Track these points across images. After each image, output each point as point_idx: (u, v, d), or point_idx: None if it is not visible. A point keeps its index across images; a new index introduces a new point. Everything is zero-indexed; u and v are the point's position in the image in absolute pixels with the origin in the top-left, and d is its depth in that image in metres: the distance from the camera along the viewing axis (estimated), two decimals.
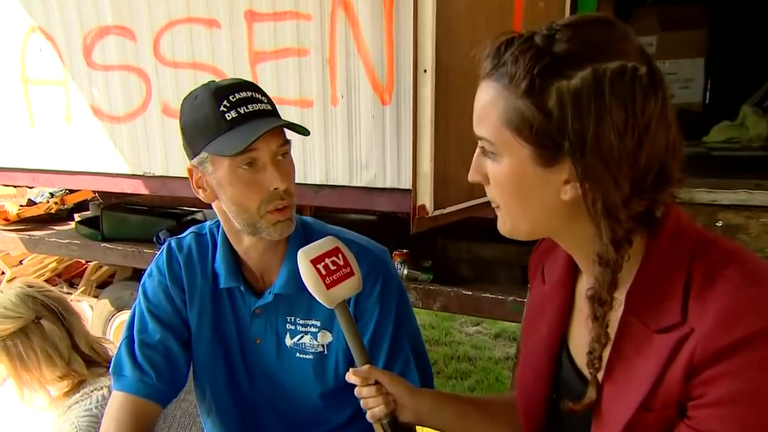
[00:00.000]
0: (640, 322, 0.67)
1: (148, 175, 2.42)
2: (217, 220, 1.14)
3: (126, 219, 2.99)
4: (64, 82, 2.50)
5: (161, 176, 2.39)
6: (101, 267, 3.71)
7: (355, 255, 1.10)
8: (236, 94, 0.98)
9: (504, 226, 0.73)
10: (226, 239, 1.12)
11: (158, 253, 1.17)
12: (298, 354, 1.13)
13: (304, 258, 0.89)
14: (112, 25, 2.30)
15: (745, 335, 0.58)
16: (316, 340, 1.12)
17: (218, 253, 1.12)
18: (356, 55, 1.94)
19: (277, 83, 2.07)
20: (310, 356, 1.13)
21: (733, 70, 3.10)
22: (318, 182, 2.08)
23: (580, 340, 0.77)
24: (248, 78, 2.06)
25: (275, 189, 0.98)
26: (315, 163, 2.08)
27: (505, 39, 0.65)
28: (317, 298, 0.88)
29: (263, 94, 1.02)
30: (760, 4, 3.00)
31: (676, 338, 0.62)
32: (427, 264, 2.25)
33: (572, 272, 0.80)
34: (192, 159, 1.03)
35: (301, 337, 1.12)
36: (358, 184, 2.03)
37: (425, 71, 1.53)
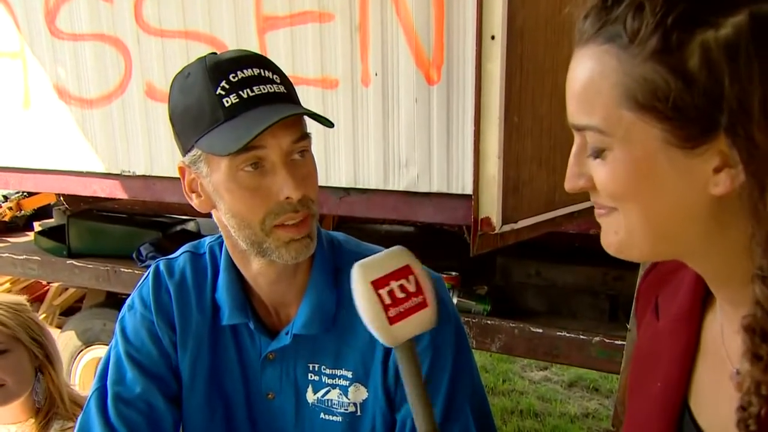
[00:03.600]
0: None
1: (127, 174, 2.46)
2: (219, 236, 1.13)
3: (99, 230, 3.06)
4: (20, 54, 2.55)
5: (144, 176, 2.43)
6: (66, 289, 3.78)
7: None
8: (239, 72, 0.96)
9: (613, 239, 0.69)
10: (230, 261, 1.11)
11: (142, 278, 1.17)
12: (322, 414, 1.11)
13: (362, 277, 0.83)
14: None
15: None
16: (346, 396, 1.10)
17: (221, 280, 1.11)
18: (395, 20, 1.93)
19: (292, 57, 2.09)
20: (338, 417, 1.11)
21: None
22: (343, 185, 2.08)
23: (708, 397, 0.74)
24: (255, 50, 2.10)
25: (287, 198, 0.96)
26: (340, 160, 2.08)
27: None
28: (375, 333, 0.83)
29: (276, 70, 1.00)
30: None
31: None
32: (482, 291, 2.24)
33: (700, 304, 0.77)
34: (183, 156, 1.02)
35: (328, 391, 1.11)
36: (395, 188, 2.03)
37: (493, 38, 1.51)
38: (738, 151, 0.58)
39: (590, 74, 0.63)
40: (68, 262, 2.93)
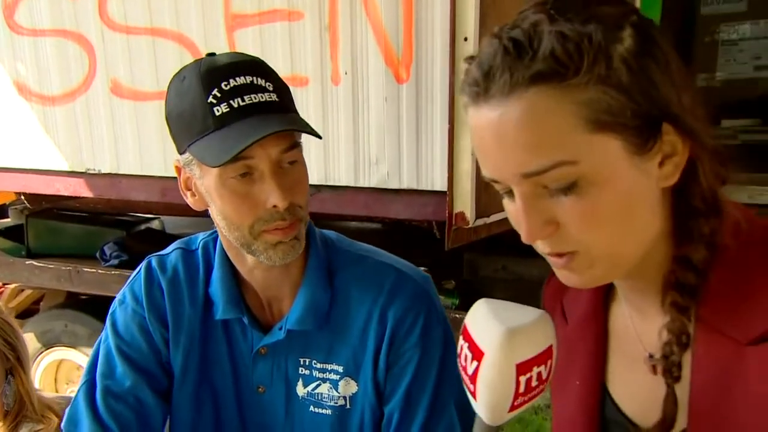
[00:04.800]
0: (722, 335, 0.69)
1: (92, 172, 2.46)
2: (212, 232, 1.17)
3: (59, 229, 3.04)
4: None
5: (110, 174, 2.43)
6: (22, 290, 3.75)
7: (393, 283, 1.12)
8: (231, 80, 0.97)
9: (591, 274, 0.71)
10: (225, 257, 1.14)
11: (133, 274, 1.19)
12: (312, 407, 1.14)
13: (508, 351, 0.72)
14: None
15: None
16: (336, 390, 1.13)
17: (215, 274, 1.14)
18: (364, 19, 1.98)
19: (261, 55, 2.04)
20: (328, 411, 1.14)
21: None
22: (314, 182, 2.12)
23: (626, 384, 0.80)
24: (224, 49, 2.13)
25: (274, 207, 0.99)
26: (310, 158, 2.04)
27: (509, 36, 0.66)
28: (481, 409, 0.75)
29: (270, 77, 1.02)
30: None
31: None
32: (450, 285, 2.28)
33: (603, 300, 0.83)
34: (179, 155, 1.05)
35: (318, 385, 1.14)
36: (366, 185, 2.08)
37: (465, 39, 1.57)
38: (679, 136, 0.66)
39: (534, 117, 0.64)
40: (27, 262, 2.90)
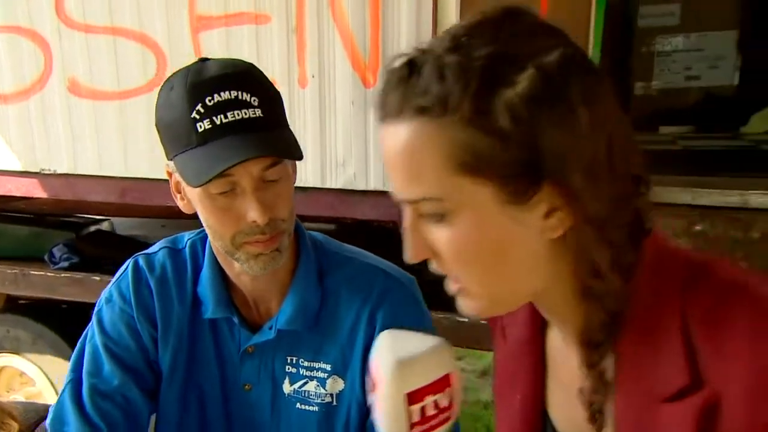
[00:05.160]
0: (639, 389, 0.68)
1: (48, 172, 2.41)
2: (200, 231, 1.19)
3: (2, 231, 2.95)
4: None
5: (66, 174, 2.39)
6: None
7: (382, 286, 1.16)
8: (215, 96, 0.98)
9: (475, 306, 0.72)
10: (214, 258, 1.16)
11: (119, 273, 1.21)
12: (298, 404, 1.18)
13: (398, 380, 0.75)
14: None
15: None
16: (323, 387, 1.17)
17: (204, 274, 1.17)
18: (331, 24, 2.02)
19: (229, 56, 2.12)
20: (315, 408, 1.17)
21: None
22: None
23: (563, 408, 0.81)
24: (189, 49, 2.13)
25: (254, 222, 1.01)
26: None
27: (407, 59, 0.66)
28: None
29: (258, 89, 1.01)
30: None
31: (696, 407, 0.64)
32: None
33: (540, 325, 0.84)
34: (168, 160, 1.08)
35: (305, 383, 1.17)
36: (333, 186, 2.10)
37: None
38: (561, 194, 0.63)
39: (411, 148, 0.64)
40: None
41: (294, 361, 1.17)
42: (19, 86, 2.38)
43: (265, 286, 1.15)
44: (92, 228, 3.10)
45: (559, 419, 0.82)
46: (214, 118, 0.98)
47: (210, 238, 1.11)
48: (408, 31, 1.91)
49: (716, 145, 2.90)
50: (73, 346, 3.13)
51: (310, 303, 1.15)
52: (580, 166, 0.62)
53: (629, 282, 0.69)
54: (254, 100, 1.00)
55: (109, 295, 1.20)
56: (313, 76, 2.07)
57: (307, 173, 2.13)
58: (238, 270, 1.12)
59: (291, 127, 2.13)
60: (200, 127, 0.98)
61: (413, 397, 0.74)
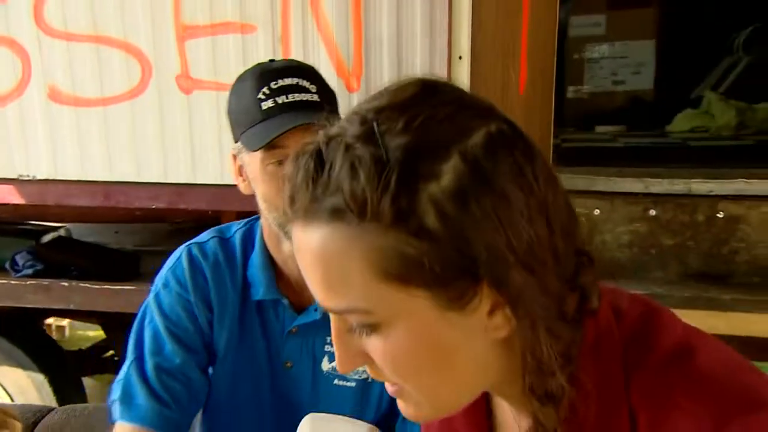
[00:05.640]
0: None
1: (26, 178, 2.43)
2: (246, 222, 1.32)
3: None
4: None
5: (46, 180, 2.42)
6: None
7: None
8: (279, 80, 1.15)
9: (416, 414, 0.66)
10: (263, 244, 1.28)
11: (171, 261, 1.31)
12: (336, 381, 1.27)
13: None
14: None
15: None
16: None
17: (254, 259, 1.28)
18: (315, 33, 2.16)
19: (213, 66, 2.24)
20: (352, 384, 1.27)
21: (683, 52, 3.81)
22: None
23: None
24: (175, 57, 2.23)
25: None
26: None
27: (313, 150, 0.57)
28: None
29: (316, 80, 1.19)
30: None
31: None
32: None
33: (485, 405, 0.78)
34: (234, 143, 1.23)
35: None
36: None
37: (460, 58, 1.79)
38: (501, 294, 0.56)
39: (328, 256, 0.56)
40: None
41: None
42: None
43: None
44: (51, 235, 3.10)
45: None
46: (276, 98, 1.14)
47: (266, 213, 1.22)
48: (389, 40, 2.09)
49: (650, 142, 3.26)
50: (29, 355, 3.11)
51: None
52: (519, 258, 0.55)
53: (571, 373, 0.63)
54: (312, 88, 1.18)
55: (165, 281, 1.29)
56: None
57: None
58: (287, 253, 1.25)
59: None
60: (264, 105, 1.14)
61: None
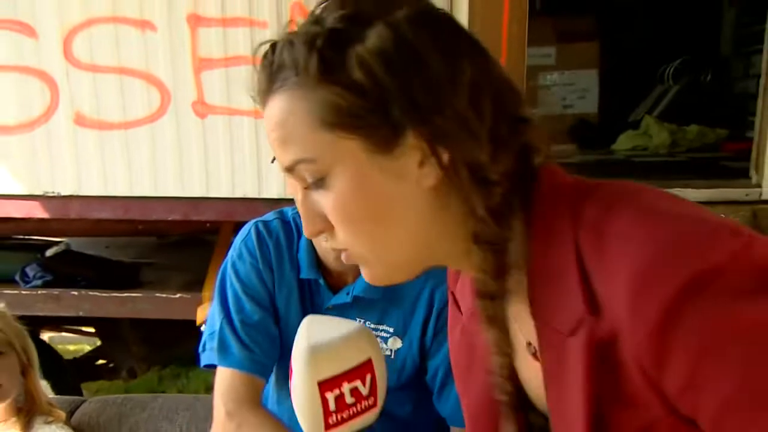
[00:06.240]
0: (549, 326, 0.67)
1: (51, 195, 2.68)
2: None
3: None
4: None
5: (70, 196, 2.68)
6: None
7: (440, 270, 1.33)
8: None
9: (374, 273, 0.72)
10: None
11: (242, 235, 1.48)
12: None
13: (310, 370, 0.72)
14: (4, 19, 2.56)
15: (670, 304, 0.56)
16: (385, 344, 1.40)
17: (302, 242, 1.43)
18: None
19: (227, 94, 2.55)
20: None
21: (622, 80, 4.30)
22: (275, 196, 2.59)
23: (523, 370, 0.78)
24: (191, 86, 2.54)
25: None
26: (271, 175, 2.59)
27: (269, 43, 0.68)
28: (302, 425, 0.78)
29: None
30: (643, 18, 4.25)
31: (591, 335, 0.62)
32: None
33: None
34: None
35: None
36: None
37: None
38: (426, 142, 0.64)
39: (280, 116, 0.66)
40: None
41: (363, 322, 1.37)
42: (23, 119, 2.65)
43: (346, 265, 1.48)
44: (54, 249, 3.32)
45: (527, 386, 0.78)
46: None
47: None
48: None
49: (598, 159, 3.69)
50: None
51: None
52: (438, 110, 0.63)
53: (527, 223, 0.68)
54: None
55: (239, 252, 1.46)
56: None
57: None
58: (326, 248, 1.42)
59: None
60: None
61: (327, 386, 0.71)
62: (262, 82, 0.68)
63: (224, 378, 1.39)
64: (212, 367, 1.44)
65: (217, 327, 1.42)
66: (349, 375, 0.73)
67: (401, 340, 1.41)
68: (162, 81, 2.58)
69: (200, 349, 1.47)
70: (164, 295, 2.89)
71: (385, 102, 0.63)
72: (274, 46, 0.68)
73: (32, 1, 2.57)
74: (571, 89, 4.17)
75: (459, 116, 0.63)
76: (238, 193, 2.62)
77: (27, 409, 1.73)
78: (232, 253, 1.48)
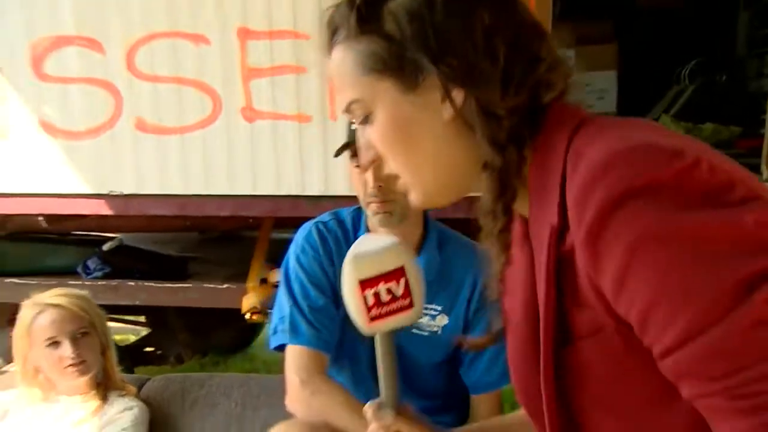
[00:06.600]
0: (537, 239, 0.74)
1: (115, 194, 2.95)
2: (356, 208, 1.66)
3: (40, 249, 3.42)
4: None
5: (131, 195, 2.94)
6: None
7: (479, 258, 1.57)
8: None
9: (418, 196, 0.81)
10: (367, 227, 1.61)
11: (303, 233, 1.66)
12: (413, 330, 1.56)
13: (352, 271, 0.88)
14: (75, 36, 2.84)
15: (604, 209, 0.61)
16: (433, 321, 1.56)
17: (358, 235, 1.61)
18: None
19: (272, 99, 2.79)
20: (425, 333, 1.58)
21: (640, 81, 4.48)
22: (315, 193, 2.82)
23: None
24: (241, 93, 2.79)
25: (371, 188, 1.44)
26: (313, 174, 2.82)
27: (330, 9, 0.79)
28: (354, 321, 0.92)
29: None
30: (660, 23, 4.43)
31: (555, 246, 0.69)
32: None
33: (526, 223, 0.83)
34: None
35: (420, 317, 1.39)
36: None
37: None
38: (442, 82, 0.74)
39: (336, 67, 0.80)
40: (7, 280, 3.19)
41: None
42: (91, 126, 2.92)
43: None
44: (109, 244, 3.59)
45: None
46: None
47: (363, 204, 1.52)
48: None
49: None
50: None
51: (433, 262, 1.58)
52: (453, 54, 0.73)
53: (536, 152, 0.75)
54: None
55: (302, 248, 1.62)
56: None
57: (336, 184, 2.79)
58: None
59: (324, 152, 2.80)
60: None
61: (367, 285, 0.85)
62: (324, 41, 0.81)
63: (295, 354, 1.54)
64: (280, 349, 1.59)
65: (287, 312, 1.58)
66: (385, 277, 0.86)
67: (447, 317, 1.58)
68: (214, 89, 2.83)
69: (271, 332, 1.65)
70: (212, 286, 3.13)
71: (407, 49, 0.74)
72: (331, 10, 0.80)
73: (101, 19, 2.84)
74: (589, 90, 4.34)
75: (470, 61, 0.73)
76: (283, 191, 2.86)
77: (104, 384, 1.93)
78: (294, 249, 1.66)
